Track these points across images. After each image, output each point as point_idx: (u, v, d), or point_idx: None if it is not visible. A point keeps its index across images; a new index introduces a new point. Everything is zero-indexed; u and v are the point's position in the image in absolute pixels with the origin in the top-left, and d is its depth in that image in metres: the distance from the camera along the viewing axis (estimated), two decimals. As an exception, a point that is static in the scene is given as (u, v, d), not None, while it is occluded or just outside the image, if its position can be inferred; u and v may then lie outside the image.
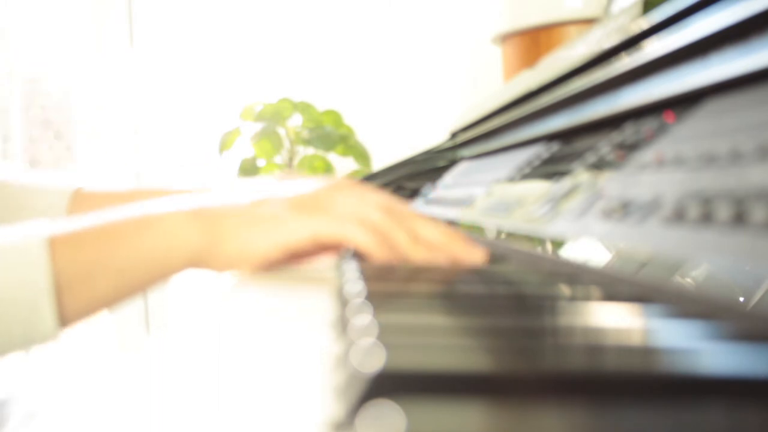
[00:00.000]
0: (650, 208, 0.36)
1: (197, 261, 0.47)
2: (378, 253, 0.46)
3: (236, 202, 0.49)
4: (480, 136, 1.02)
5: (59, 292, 0.43)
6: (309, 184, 0.51)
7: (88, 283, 0.44)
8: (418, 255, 0.47)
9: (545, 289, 0.33)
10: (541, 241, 0.47)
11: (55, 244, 0.44)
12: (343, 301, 0.31)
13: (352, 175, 1.73)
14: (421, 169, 1.15)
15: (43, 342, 0.44)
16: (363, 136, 1.84)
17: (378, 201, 0.50)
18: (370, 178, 1.17)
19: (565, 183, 0.52)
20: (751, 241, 0.26)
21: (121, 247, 0.45)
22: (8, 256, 0.42)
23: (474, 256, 0.47)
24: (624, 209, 0.38)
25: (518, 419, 0.16)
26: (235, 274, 0.49)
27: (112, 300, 0.46)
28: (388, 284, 0.36)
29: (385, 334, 0.21)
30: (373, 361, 0.18)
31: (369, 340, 0.21)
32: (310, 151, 1.78)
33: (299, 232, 0.46)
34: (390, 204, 0.50)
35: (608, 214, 0.40)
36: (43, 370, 1.94)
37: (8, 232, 0.44)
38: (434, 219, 0.52)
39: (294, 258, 0.52)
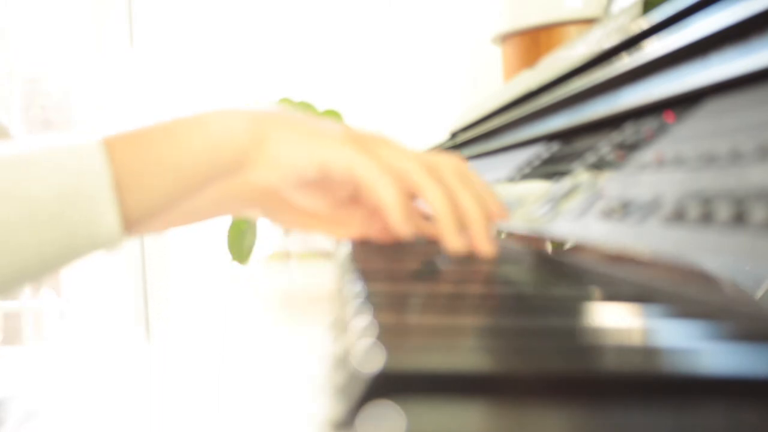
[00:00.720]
0: (650, 208, 0.36)
1: (242, 162, 0.46)
2: (399, 216, 0.45)
3: (291, 113, 0.49)
4: (480, 136, 1.02)
5: (119, 190, 0.43)
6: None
7: (145, 180, 0.44)
8: (448, 227, 0.45)
9: (545, 289, 0.33)
10: (541, 241, 0.47)
11: (111, 144, 0.44)
12: (343, 301, 0.31)
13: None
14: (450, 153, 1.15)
15: (108, 246, 0.43)
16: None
17: (421, 157, 0.48)
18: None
19: (565, 183, 0.52)
20: (751, 241, 0.26)
21: (175, 143, 0.45)
22: (66, 157, 0.42)
23: (487, 248, 0.46)
24: (624, 209, 0.38)
25: (518, 419, 0.16)
26: (269, 189, 0.48)
27: (169, 198, 0.46)
28: (388, 284, 0.36)
29: (385, 334, 0.21)
30: (373, 361, 0.18)
31: (369, 340, 0.21)
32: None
33: (337, 156, 0.45)
34: (444, 167, 0.48)
35: (608, 214, 0.40)
36: (43, 370, 1.94)
37: (64, 136, 0.44)
38: (486, 188, 0.49)
39: (327, 193, 0.51)
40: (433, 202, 0.45)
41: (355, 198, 0.51)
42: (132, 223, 0.45)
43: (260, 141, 0.46)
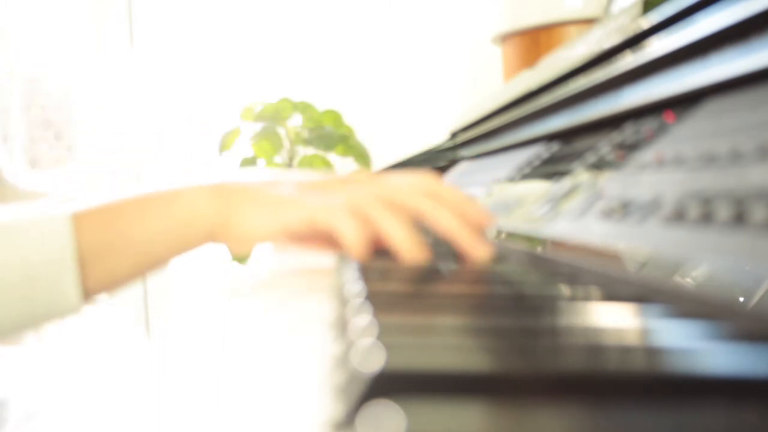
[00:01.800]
0: (650, 208, 0.36)
1: (213, 235, 0.48)
2: (359, 249, 0.46)
3: (250, 181, 0.50)
4: (480, 136, 1.02)
5: (83, 266, 0.44)
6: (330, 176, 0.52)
7: (111, 256, 0.46)
8: (411, 255, 0.46)
9: (545, 289, 0.33)
10: (541, 241, 0.47)
11: (77, 219, 0.45)
12: (343, 301, 0.31)
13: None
14: (421, 169, 1.15)
15: (67, 315, 0.45)
16: (363, 136, 1.84)
17: (390, 188, 0.49)
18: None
19: (565, 183, 0.52)
20: (751, 241, 0.26)
21: (143, 220, 0.47)
22: (32, 231, 0.43)
23: (479, 252, 0.47)
24: (624, 209, 0.38)
25: (518, 419, 0.16)
26: (246, 251, 0.50)
27: (134, 273, 0.48)
28: (388, 284, 0.36)
29: (385, 334, 0.21)
30: (373, 361, 0.18)
31: (369, 340, 0.20)
32: (310, 151, 1.78)
33: (297, 215, 0.47)
34: (403, 188, 0.49)
35: (608, 214, 0.40)
36: (43, 371, 1.94)
37: (32, 209, 0.45)
38: (462, 198, 0.50)
39: (303, 241, 0.52)
40: (390, 233, 0.46)
41: None
42: (96, 293, 0.47)
43: (226, 216, 0.48)
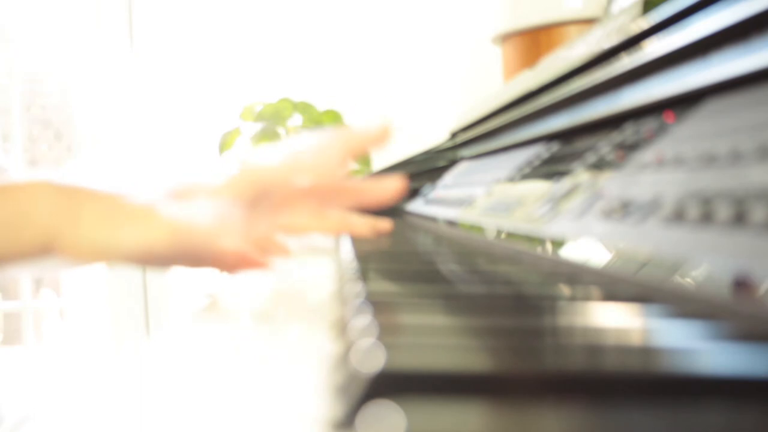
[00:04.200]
0: (650, 208, 0.36)
1: (49, 244, 0.40)
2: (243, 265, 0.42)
3: (112, 187, 0.42)
4: (480, 136, 1.02)
5: None
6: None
7: None
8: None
9: (545, 289, 0.33)
10: (541, 241, 0.47)
11: None
12: (343, 301, 0.31)
13: (351, 175, 1.73)
14: (421, 169, 1.15)
15: None
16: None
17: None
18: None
19: (565, 183, 0.52)
20: (751, 241, 0.26)
21: None
22: None
23: (359, 227, 0.45)
24: (624, 209, 0.38)
25: (518, 419, 0.16)
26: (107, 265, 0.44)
27: None
28: (388, 284, 0.36)
29: (385, 334, 0.21)
30: (373, 361, 0.18)
31: (369, 340, 0.20)
32: (310, 151, 1.78)
33: (155, 233, 0.40)
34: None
35: (608, 214, 0.40)
36: (42, 371, 1.94)
37: None
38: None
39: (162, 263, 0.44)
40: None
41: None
42: None
43: (72, 223, 0.40)
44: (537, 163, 0.67)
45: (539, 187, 0.57)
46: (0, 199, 0.40)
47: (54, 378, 1.86)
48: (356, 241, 0.54)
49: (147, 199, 0.42)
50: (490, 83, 1.78)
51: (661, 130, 0.45)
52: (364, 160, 1.75)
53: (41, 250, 0.40)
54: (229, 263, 0.42)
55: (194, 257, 0.43)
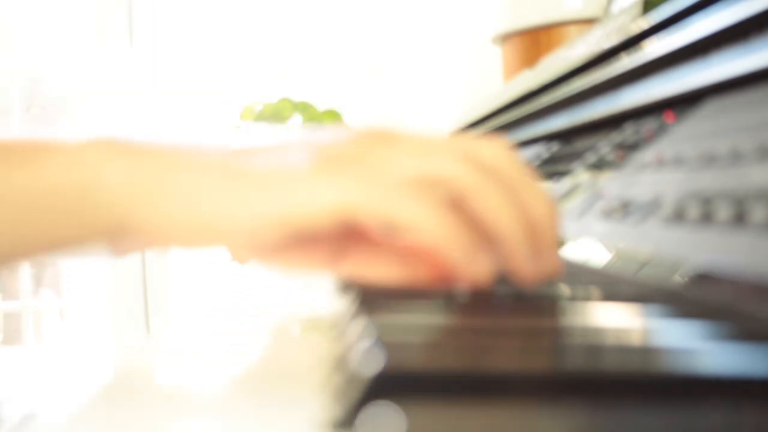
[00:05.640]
0: (650, 208, 0.36)
1: (122, 223, 0.28)
2: (461, 251, 0.27)
3: (208, 149, 0.30)
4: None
5: None
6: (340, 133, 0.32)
7: None
8: (521, 247, 0.28)
9: (545, 289, 0.33)
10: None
11: None
12: (342, 303, 0.31)
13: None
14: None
15: None
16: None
17: (453, 148, 0.29)
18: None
19: (565, 183, 0.52)
20: (751, 241, 0.26)
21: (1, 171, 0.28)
22: None
23: (555, 268, 0.30)
24: (624, 209, 0.38)
25: (518, 419, 0.16)
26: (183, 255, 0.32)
27: None
28: (388, 285, 0.35)
29: (384, 335, 0.21)
30: (373, 361, 0.18)
31: (368, 341, 0.20)
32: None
33: (312, 201, 0.27)
34: (476, 150, 0.29)
35: (608, 214, 0.40)
36: (43, 370, 1.94)
37: None
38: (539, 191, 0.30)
39: (300, 249, 0.31)
40: (493, 214, 0.28)
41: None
42: None
43: (154, 193, 0.28)
44: (537, 163, 0.67)
45: (539, 187, 0.57)
46: (50, 166, 0.28)
47: (55, 377, 1.86)
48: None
49: (277, 155, 0.29)
50: (490, 83, 1.78)
51: (661, 130, 0.45)
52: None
53: (112, 231, 0.29)
54: (443, 243, 0.27)
55: (359, 239, 0.30)
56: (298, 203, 0.27)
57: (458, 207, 0.28)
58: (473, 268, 0.28)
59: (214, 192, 0.27)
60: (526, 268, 0.29)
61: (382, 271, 0.31)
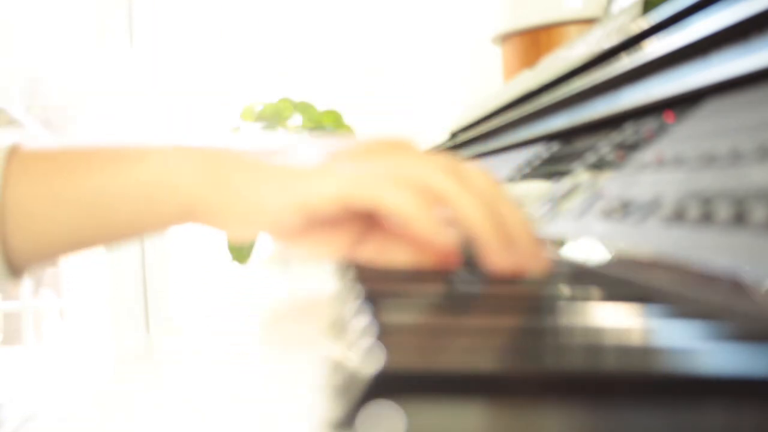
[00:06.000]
0: (650, 208, 0.36)
1: (192, 212, 0.37)
2: (428, 227, 0.34)
3: (250, 149, 0.38)
4: (480, 136, 1.02)
5: (6, 222, 0.36)
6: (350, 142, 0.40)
7: (47, 214, 0.37)
8: (491, 241, 0.34)
9: (545, 289, 0.33)
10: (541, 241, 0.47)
11: (12, 161, 0.37)
12: (343, 301, 0.31)
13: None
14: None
15: None
16: (363, 136, 1.84)
17: (442, 162, 0.37)
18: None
19: (565, 183, 0.52)
20: (751, 241, 0.26)
21: (96, 174, 0.37)
22: None
23: (540, 263, 0.37)
24: (624, 209, 0.38)
25: (518, 419, 0.16)
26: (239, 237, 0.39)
27: (75, 241, 0.38)
28: (388, 284, 0.36)
29: (385, 334, 0.21)
30: (373, 361, 0.18)
31: (369, 341, 0.20)
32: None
33: (322, 191, 0.35)
34: (460, 168, 0.37)
35: (608, 214, 0.40)
36: (43, 371, 1.94)
37: None
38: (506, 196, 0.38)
39: (318, 228, 0.39)
40: (466, 213, 0.35)
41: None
42: (24, 260, 0.38)
43: (219, 190, 0.37)
44: (537, 163, 0.67)
45: (539, 187, 0.57)
46: (140, 168, 0.37)
47: (55, 378, 1.86)
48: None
49: (299, 156, 0.37)
50: (490, 83, 1.78)
51: (661, 130, 0.45)
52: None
53: (183, 218, 0.38)
54: (414, 219, 0.34)
55: (364, 221, 0.37)
56: (311, 194, 0.35)
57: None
58: (441, 240, 0.35)
59: (253, 188, 0.36)
60: (501, 261, 0.35)
61: (393, 256, 0.39)
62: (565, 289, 0.32)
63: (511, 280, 0.35)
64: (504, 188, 0.38)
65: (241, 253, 1.60)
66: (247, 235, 0.37)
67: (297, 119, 1.78)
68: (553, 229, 0.46)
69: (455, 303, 0.30)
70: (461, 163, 0.37)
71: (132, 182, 0.37)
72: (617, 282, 0.34)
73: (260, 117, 1.75)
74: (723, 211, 0.29)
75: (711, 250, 0.28)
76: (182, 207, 0.37)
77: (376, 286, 0.32)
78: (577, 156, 0.56)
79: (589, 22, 1.25)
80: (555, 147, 0.67)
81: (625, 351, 0.21)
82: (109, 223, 0.38)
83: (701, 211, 0.31)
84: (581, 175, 0.51)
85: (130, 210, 0.37)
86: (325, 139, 0.40)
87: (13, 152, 0.37)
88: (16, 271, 0.38)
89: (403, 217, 0.34)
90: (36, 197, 0.37)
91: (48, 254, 0.39)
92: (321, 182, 0.35)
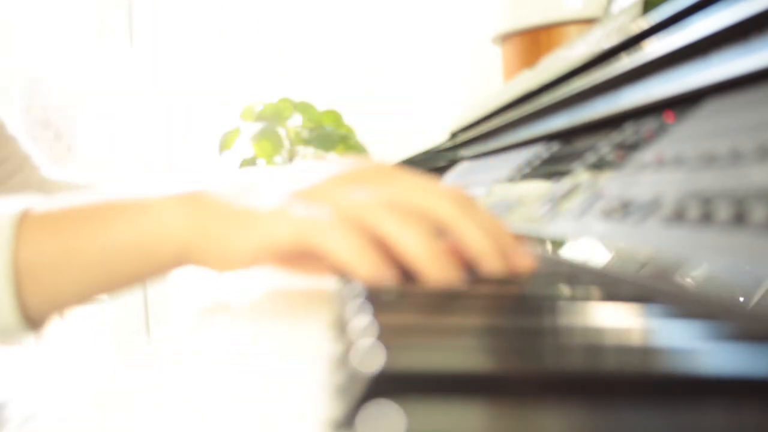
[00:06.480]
0: (650, 208, 0.36)
1: (185, 257, 0.40)
2: (365, 271, 0.36)
3: (225, 190, 0.41)
4: (480, 136, 1.02)
5: (23, 279, 0.39)
6: (329, 167, 0.42)
7: (59, 271, 0.40)
8: (435, 272, 0.36)
9: (545, 289, 0.33)
10: (541, 241, 0.47)
11: (24, 223, 0.39)
12: (343, 301, 0.31)
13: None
14: (421, 169, 1.15)
15: (7, 336, 0.42)
16: (363, 136, 1.84)
17: (404, 191, 0.39)
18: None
19: (565, 183, 0.52)
20: (751, 241, 0.26)
21: (102, 231, 0.40)
22: None
23: (523, 262, 0.39)
24: (624, 209, 0.38)
25: (518, 419, 0.16)
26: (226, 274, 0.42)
27: (87, 293, 0.41)
28: (388, 284, 0.36)
29: (385, 334, 0.21)
30: (373, 361, 0.18)
31: (369, 340, 0.20)
32: (310, 151, 1.78)
33: (277, 233, 0.38)
34: (426, 195, 0.39)
35: (608, 214, 0.40)
36: (43, 371, 1.94)
37: None
38: (491, 216, 0.40)
39: (295, 264, 0.43)
40: (405, 246, 0.36)
41: None
42: (40, 313, 0.41)
43: (202, 234, 0.40)
44: (537, 163, 0.67)
45: (539, 187, 0.57)
46: (142, 222, 0.40)
47: (56, 378, 1.86)
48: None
49: (266, 196, 0.40)
50: (490, 83, 1.78)
51: (661, 130, 0.45)
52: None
53: (178, 263, 0.41)
54: (358, 265, 0.36)
55: (318, 258, 0.38)
56: (269, 236, 0.38)
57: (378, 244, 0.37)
58: (363, 275, 0.36)
59: (224, 233, 0.39)
60: (490, 263, 0.38)
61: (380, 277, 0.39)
62: (565, 289, 0.32)
63: (511, 280, 0.36)
64: (474, 199, 0.41)
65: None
66: (232, 272, 0.40)
67: (297, 119, 1.78)
68: (553, 229, 0.46)
69: (455, 303, 0.30)
70: (438, 183, 0.40)
71: (134, 237, 0.40)
72: (617, 282, 0.34)
73: (260, 117, 1.75)
74: (723, 211, 0.29)
75: (711, 250, 0.28)
76: (177, 254, 0.40)
77: (376, 287, 0.32)
78: (577, 156, 0.56)
79: (589, 22, 1.25)
80: (555, 147, 0.67)
81: (625, 351, 0.21)
82: (115, 276, 0.41)
83: (701, 211, 0.31)
84: (581, 175, 0.51)
85: (134, 262, 0.41)
86: (313, 165, 0.43)
87: (24, 216, 0.40)
88: (34, 325, 0.42)
89: (342, 263, 0.36)
90: (48, 258, 0.40)
91: (61, 308, 0.42)
92: (275, 225, 0.38)
